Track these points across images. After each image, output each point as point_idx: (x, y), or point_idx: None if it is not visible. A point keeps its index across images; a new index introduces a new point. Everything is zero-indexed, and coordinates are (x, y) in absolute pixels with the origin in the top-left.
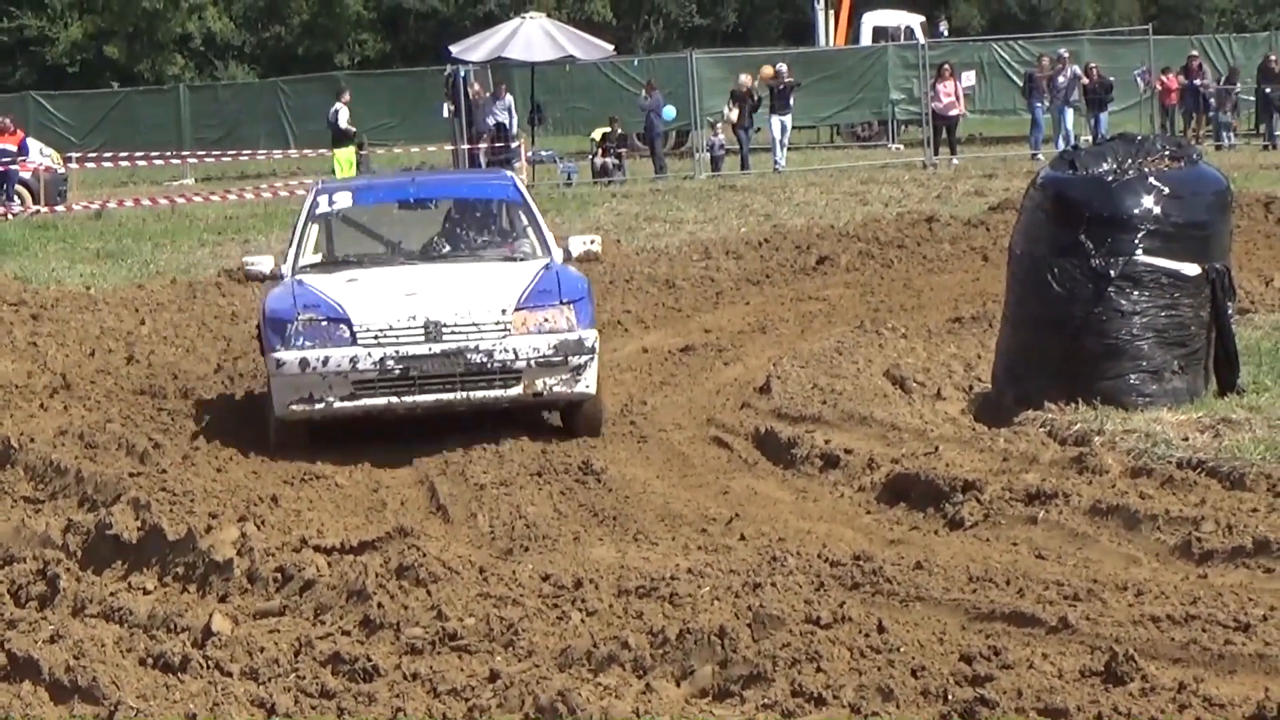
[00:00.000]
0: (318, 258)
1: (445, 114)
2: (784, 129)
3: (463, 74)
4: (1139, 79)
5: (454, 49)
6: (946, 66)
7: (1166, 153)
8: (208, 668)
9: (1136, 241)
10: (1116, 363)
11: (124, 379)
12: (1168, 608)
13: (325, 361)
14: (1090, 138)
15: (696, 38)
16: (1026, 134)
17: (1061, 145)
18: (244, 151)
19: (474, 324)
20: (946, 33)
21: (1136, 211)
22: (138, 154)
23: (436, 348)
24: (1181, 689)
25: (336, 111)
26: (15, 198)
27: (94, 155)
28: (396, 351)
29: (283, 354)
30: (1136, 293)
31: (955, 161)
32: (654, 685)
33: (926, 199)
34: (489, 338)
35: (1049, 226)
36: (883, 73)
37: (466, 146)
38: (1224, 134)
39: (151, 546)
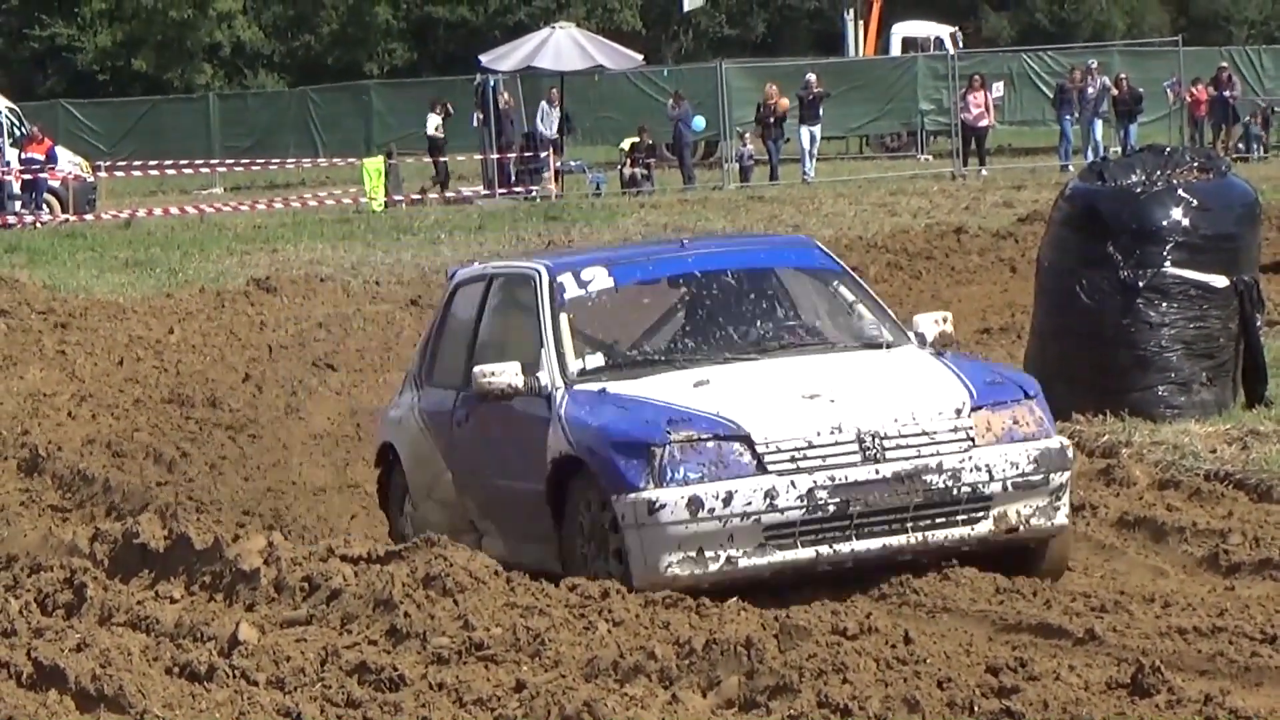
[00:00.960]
0: (599, 359)
1: (475, 123)
2: (813, 139)
3: (492, 83)
4: (1168, 90)
5: (484, 58)
6: (977, 78)
7: (1195, 164)
8: (234, 677)
9: (1165, 253)
10: (1145, 374)
11: (152, 388)
12: (1194, 620)
13: (728, 499)
14: (1119, 149)
15: (726, 48)
16: (1055, 145)
17: (1091, 157)
18: (273, 160)
19: (924, 433)
20: (961, 44)
21: (1165, 223)
22: (167, 163)
23: (883, 470)
24: (1208, 701)
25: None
26: (44, 206)
27: (123, 164)
28: (830, 479)
29: (657, 492)
30: (1165, 304)
31: (984, 173)
32: (680, 696)
33: (955, 210)
34: (949, 452)
35: (1078, 238)
36: (912, 83)
37: (496, 156)
38: (1254, 146)
39: (178, 555)
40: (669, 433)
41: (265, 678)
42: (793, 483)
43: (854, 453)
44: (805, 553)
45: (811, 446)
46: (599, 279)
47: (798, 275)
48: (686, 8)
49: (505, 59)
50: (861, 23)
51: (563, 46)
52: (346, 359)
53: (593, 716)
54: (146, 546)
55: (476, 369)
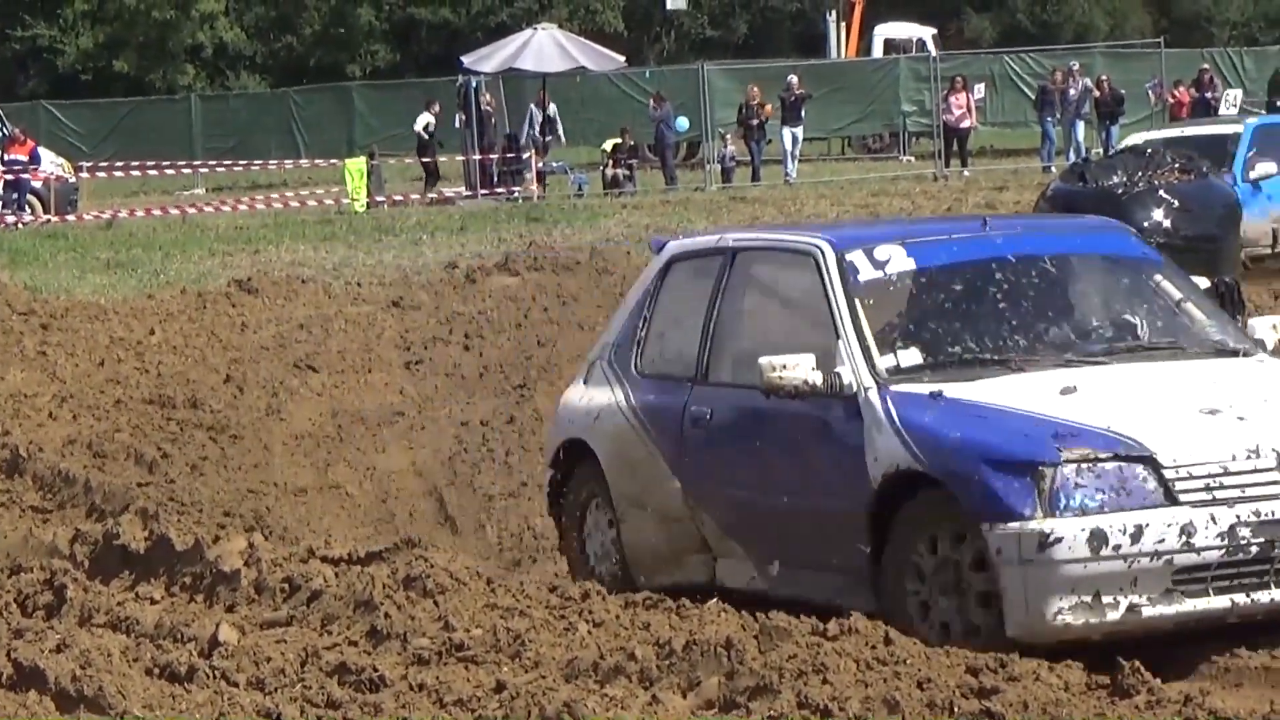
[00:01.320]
0: (914, 356)
1: (457, 124)
2: (795, 140)
3: (474, 85)
4: (1150, 92)
5: (466, 60)
6: (959, 79)
7: (1176, 166)
8: (214, 678)
9: None
10: None
11: (133, 389)
12: None
13: (1136, 535)
14: (1101, 150)
15: (708, 49)
16: (1037, 147)
17: (1072, 158)
18: (255, 161)
19: None
20: (941, 45)
21: (1146, 224)
22: (149, 164)
23: None
24: (1188, 702)
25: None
26: (26, 207)
27: (105, 165)
28: (1255, 513)
29: (1049, 523)
30: None
31: (966, 174)
32: (660, 696)
33: (937, 211)
34: None
35: None
36: (894, 85)
37: (478, 157)
38: None
39: (159, 556)
40: (1060, 449)
41: (245, 679)
42: (1212, 517)
43: (1276, 482)
44: (1218, 602)
45: (1227, 473)
46: (897, 259)
47: (1116, 264)
48: (670, 5)
49: (487, 60)
50: (843, 24)
51: (545, 48)
52: (328, 360)
53: (573, 717)
54: (127, 547)
55: (764, 360)
